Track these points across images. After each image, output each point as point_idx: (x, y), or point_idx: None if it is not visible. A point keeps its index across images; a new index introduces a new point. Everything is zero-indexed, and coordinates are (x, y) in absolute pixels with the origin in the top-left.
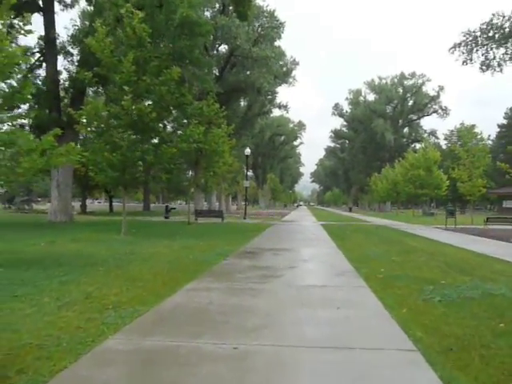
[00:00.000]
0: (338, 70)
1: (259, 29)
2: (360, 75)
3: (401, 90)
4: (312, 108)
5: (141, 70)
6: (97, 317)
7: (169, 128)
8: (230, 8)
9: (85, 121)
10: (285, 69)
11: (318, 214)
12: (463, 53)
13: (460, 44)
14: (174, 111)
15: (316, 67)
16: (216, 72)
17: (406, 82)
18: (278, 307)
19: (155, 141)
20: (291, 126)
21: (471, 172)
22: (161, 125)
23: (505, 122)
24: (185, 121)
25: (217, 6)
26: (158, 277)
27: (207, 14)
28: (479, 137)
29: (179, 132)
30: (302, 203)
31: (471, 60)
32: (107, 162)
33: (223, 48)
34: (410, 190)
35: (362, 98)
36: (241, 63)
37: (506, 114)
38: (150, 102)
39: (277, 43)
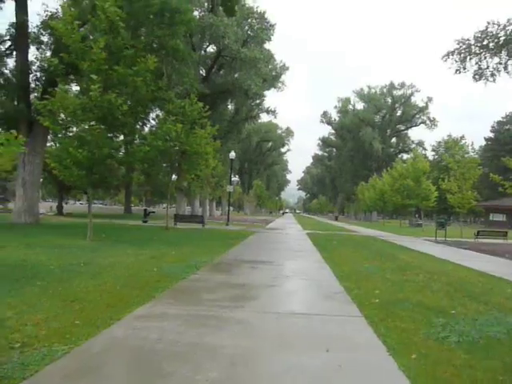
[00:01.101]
0: (328, 79)
1: (248, 30)
2: (350, 85)
3: (390, 100)
4: (301, 116)
5: (113, 58)
6: None
7: (148, 127)
8: (220, 8)
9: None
10: (274, 73)
11: (303, 222)
12: (456, 61)
13: (453, 52)
14: (151, 107)
15: (306, 75)
16: (203, 72)
17: (395, 92)
18: (247, 348)
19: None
20: (279, 132)
21: (461, 183)
22: (140, 123)
23: (491, 135)
24: (162, 117)
25: (205, 4)
26: (105, 296)
27: (196, 13)
28: (469, 148)
29: (154, 129)
30: (287, 210)
31: (464, 69)
32: (72, 158)
33: (211, 48)
34: (398, 200)
35: (350, 107)
36: (229, 64)
37: (492, 127)
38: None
39: (266, 46)
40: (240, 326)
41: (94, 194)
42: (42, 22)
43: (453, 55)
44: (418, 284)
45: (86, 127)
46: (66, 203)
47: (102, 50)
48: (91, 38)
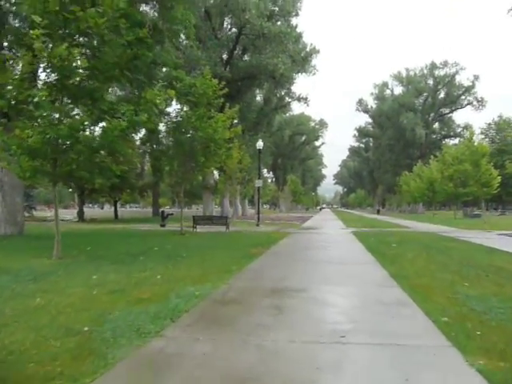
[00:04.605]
0: (362, 68)
1: (272, 5)
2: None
3: (431, 82)
4: (334, 110)
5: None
6: None
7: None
8: None
9: None
10: (303, 53)
11: (344, 217)
12: None
13: None
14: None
15: (339, 64)
16: (225, 56)
17: (436, 72)
18: None
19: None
20: (312, 124)
21: None
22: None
23: None
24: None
25: None
26: None
27: None
28: None
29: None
30: (325, 206)
31: None
32: (18, 144)
33: (233, 29)
34: (450, 189)
35: (388, 92)
36: (252, 44)
37: None
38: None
39: (294, 22)
40: None
41: (117, 197)
42: None
43: None
44: None
45: (36, 99)
46: (102, 208)
47: None
48: None
